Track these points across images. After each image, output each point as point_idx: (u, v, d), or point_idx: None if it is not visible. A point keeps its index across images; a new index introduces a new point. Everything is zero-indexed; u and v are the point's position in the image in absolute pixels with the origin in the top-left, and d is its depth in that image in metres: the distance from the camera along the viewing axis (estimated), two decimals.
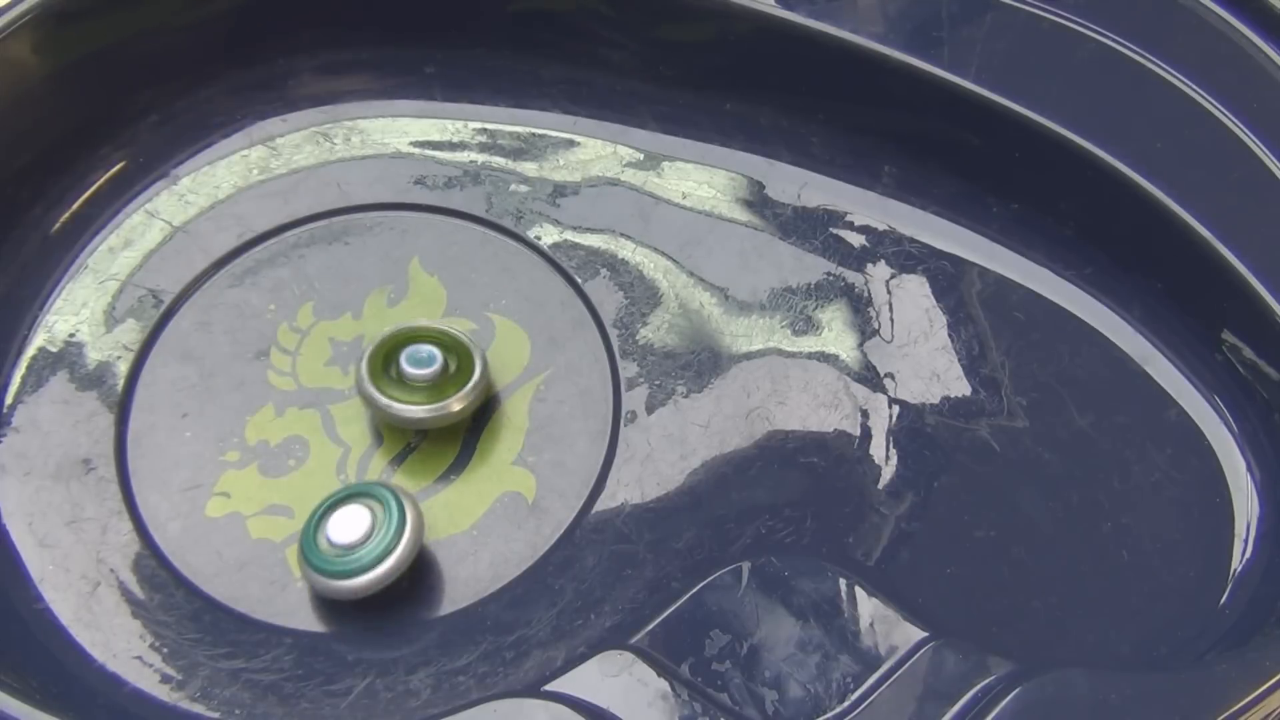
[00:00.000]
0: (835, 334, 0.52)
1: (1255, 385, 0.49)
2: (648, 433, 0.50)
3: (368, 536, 0.45)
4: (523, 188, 0.55)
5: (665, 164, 0.55)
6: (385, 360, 0.49)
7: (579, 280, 0.53)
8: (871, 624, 0.45)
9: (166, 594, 0.48)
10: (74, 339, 0.52)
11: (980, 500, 0.49)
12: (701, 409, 0.51)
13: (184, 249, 0.54)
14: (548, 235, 0.54)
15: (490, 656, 0.46)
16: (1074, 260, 0.52)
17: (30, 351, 0.51)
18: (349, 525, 0.46)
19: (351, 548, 0.45)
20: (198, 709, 0.46)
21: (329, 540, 0.46)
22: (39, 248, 0.53)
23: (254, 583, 0.48)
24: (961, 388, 0.51)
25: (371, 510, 0.46)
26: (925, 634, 0.44)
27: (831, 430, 0.50)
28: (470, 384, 0.49)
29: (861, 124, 0.54)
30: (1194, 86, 0.50)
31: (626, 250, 0.54)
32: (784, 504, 0.49)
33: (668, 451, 0.50)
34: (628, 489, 0.49)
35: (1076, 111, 0.50)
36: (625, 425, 0.50)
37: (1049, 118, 0.50)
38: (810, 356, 0.52)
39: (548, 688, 0.44)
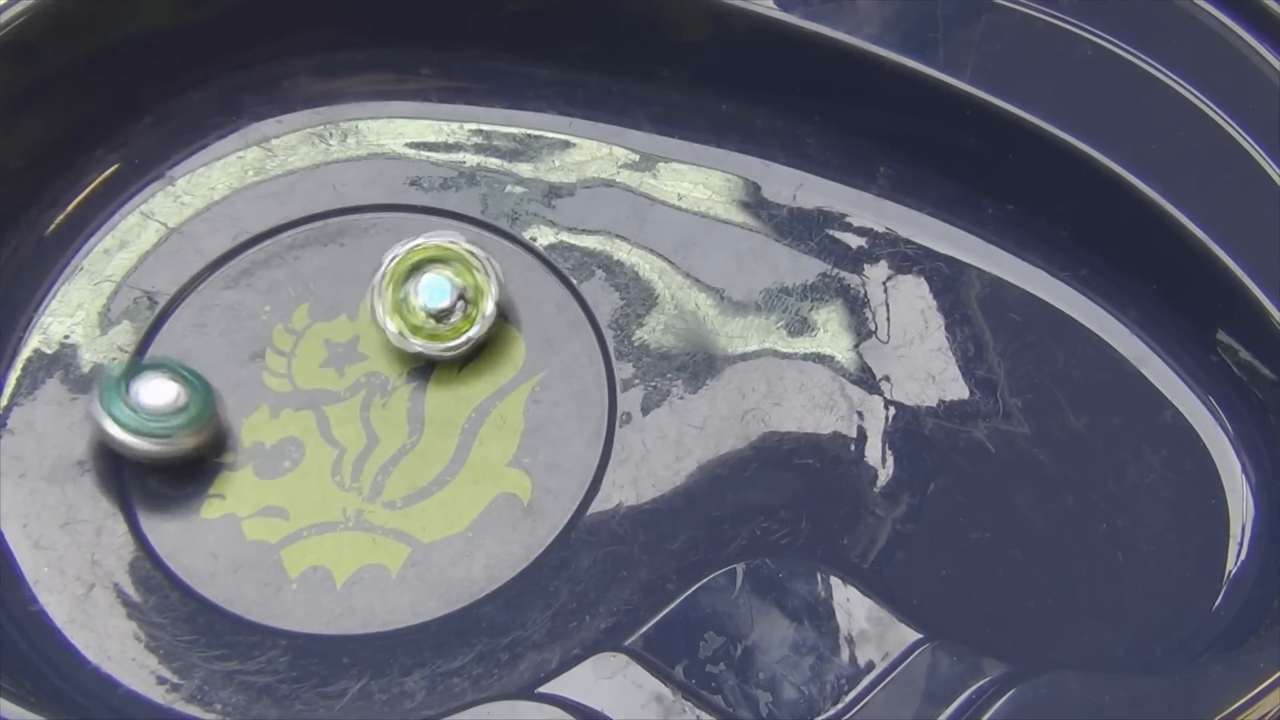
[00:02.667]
0: (831, 335, 0.52)
1: (1250, 386, 0.49)
2: (643, 434, 0.50)
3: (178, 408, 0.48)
4: (518, 189, 0.55)
5: (660, 165, 0.55)
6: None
7: (574, 282, 0.53)
8: (866, 626, 0.45)
9: (161, 596, 0.48)
10: (69, 341, 0.52)
11: (976, 502, 0.49)
12: (697, 410, 0.51)
13: (179, 250, 0.53)
14: (543, 237, 0.54)
15: (485, 658, 0.46)
16: (1069, 262, 0.52)
17: (25, 353, 0.51)
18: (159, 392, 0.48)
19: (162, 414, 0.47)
20: (193, 711, 0.46)
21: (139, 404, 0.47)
22: (34, 250, 0.53)
23: (249, 584, 0.48)
24: (957, 389, 0.51)
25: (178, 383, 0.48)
26: (920, 636, 0.44)
27: (827, 432, 0.50)
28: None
29: (857, 125, 0.54)
30: (1189, 88, 0.50)
31: (622, 252, 0.54)
32: (779, 505, 0.49)
33: (663, 453, 0.50)
34: (623, 490, 0.49)
35: (1072, 113, 0.50)
36: (620, 427, 0.50)
37: (1044, 119, 0.50)
38: (806, 358, 0.52)
39: (542, 689, 0.44)
